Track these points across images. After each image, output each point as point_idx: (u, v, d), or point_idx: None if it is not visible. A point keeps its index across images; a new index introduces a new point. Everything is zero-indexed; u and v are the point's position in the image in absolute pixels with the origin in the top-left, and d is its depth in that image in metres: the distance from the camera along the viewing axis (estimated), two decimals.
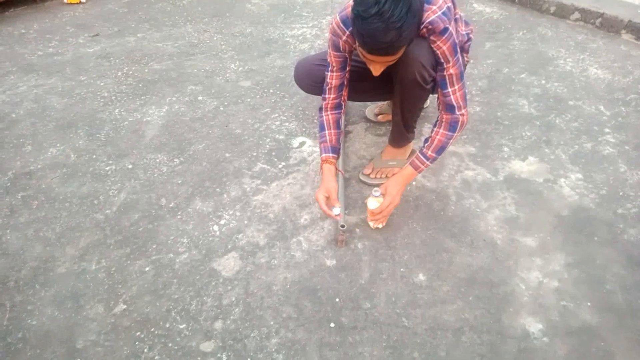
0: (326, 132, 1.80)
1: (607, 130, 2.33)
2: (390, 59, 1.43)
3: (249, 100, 2.61)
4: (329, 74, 1.77)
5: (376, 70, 1.50)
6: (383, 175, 2.01)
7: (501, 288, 1.58)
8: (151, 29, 3.47)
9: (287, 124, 2.40)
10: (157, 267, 1.66)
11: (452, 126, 1.65)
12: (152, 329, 1.46)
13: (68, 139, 2.28)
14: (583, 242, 1.75)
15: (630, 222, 1.82)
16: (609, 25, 3.29)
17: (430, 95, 1.92)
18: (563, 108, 2.50)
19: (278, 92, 2.68)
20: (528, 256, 1.69)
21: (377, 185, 1.85)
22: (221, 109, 2.53)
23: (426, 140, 1.70)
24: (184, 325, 1.47)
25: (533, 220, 1.83)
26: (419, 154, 1.69)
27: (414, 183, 2.00)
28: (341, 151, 2.09)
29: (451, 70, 1.56)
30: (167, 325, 1.47)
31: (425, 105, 2.44)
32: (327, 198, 1.67)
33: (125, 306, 1.52)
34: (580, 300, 1.54)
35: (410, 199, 1.93)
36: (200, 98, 2.62)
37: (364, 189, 1.99)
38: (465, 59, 1.99)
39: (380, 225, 1.78)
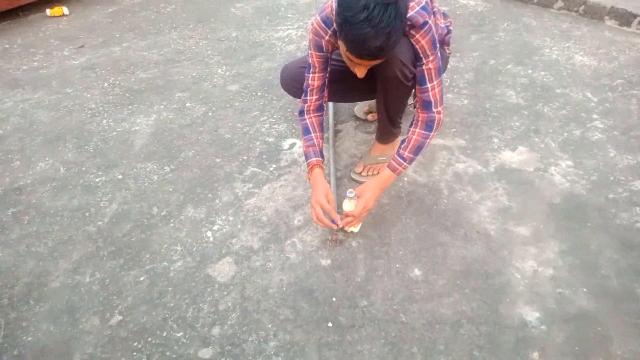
0: (312, 135, 1.77)
1: (595, 116, 2.34)
2: (377, 62, 1.43)
3: (237, 104, 2.60)
4: (311, 75, 1.75)
5: (361, 72, 1.49)
6: (374, 172, 2.00)
7: (497, 279, 1.58)
8: (136, 38, 3.45)
9: (276, 126, 2.40)
10: (152, 276, 1.65)
11: (429, 125, 1.64)
12: (149, 339, 1.45)
13: (57, 153, 2.26)
14: (576, 228, 1.75)
15: (621, 207, 1.83)
16: (593, 12, 3.31)
17: None
18: (550, 96, 2.51)
19: (266, 94, 2.68)
20: (522, 245, 1.70)
21: None
22: (210, 114, 2.52)
23: (403, 141, 1.67)
24: (181, 333, 1.46)
25: (525, 210, 1.84)
26: (396, 156, 1.67)
27: (405, 178, 2.00)
28: (332, 150, 2.09)
29: (430, 65, 1.56)
30: (164, 334, 1.46)
31: (409, 102, 2.44)
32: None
33: (121, 317, 1.51)
34: (575, 287, 1.54)
35: (402, 195, 1.93)
36: (188, 104, 2.61)
37: (355, 187, 1.98)
38: (447, 51, 1.99)
39: (354, 229, 1.75)
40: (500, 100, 2.50)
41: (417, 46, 1.52)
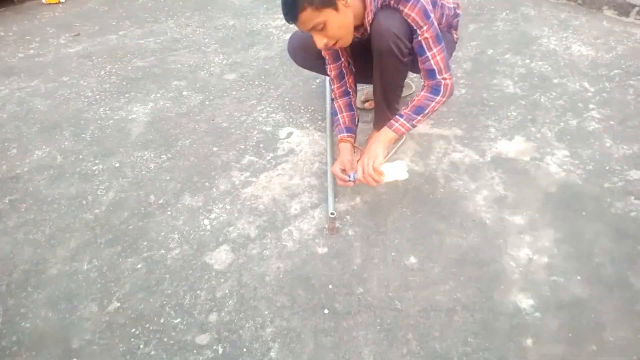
0: (339, 116, 1.93)
1: (591, 106, 2.35)
2: (315, 23, 1.48)
3: (234, 93, 2.61)
4: (327, 67, 1.89)
5: (317, 40, 1.55)
6: None
7: (492, 266, 1.60)
8: (133, 26, 3.44)
9: (273, 115, 2.41)
10: (149, 263, 1.66)
11: (434, 89, 1.65)
12: (147, 325, 1.46)
13: (53, 141, 2.27)
14: (571, 217, 1.77)
15: (616, 196, 1.84)
16: (591, 2, 3.31)
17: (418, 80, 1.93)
18: (548, 86, 2.52)
19: (263, 83, 2.68)
20: (517, 234, 1.71)
21: None
22: (207, 103, 2.53)
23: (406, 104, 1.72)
24: (178, 320, 1.48)
25: (521, 199, 1.85)
26: (397, 114, 1.72)
27: None
28: (328, 140, 2.10)
29: (426, 35, 1.57)
30: (162, 321, 1.48)
31: (410, 92, 2.44)
32: (343, 170, 1.76)
33: (119, 304, 1.53)
34: (570, 275, 1.56)
35: (399, 184, 1.93)
36: (185, 93, 2.62)
37: None
38: (455, 36, 1.99)
39: (402, 177, 1.67)
40: (497, 90, 2.51)
41: (409, 20, 1.55)
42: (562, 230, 1.72)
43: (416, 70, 1.75)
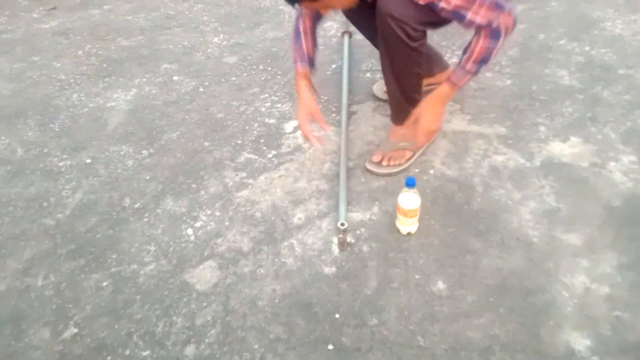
0: (302, 40, 1.90)
1: None
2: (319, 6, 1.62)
3: (233, 79, 2.61)
4: (301, 17, 1.90)
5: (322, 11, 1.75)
6: (395, 162, 1.95)
7: (539, 296, 1.52)
8: None
9: (278, 105, 2.39)
10: (117, 281, 1.63)
11: (494, 33, 1.61)
12: (109, 358, 1.41)
13: (15, 131, 2.29)
14: (639, 238, 1.68)
15: None
16: None
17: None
18: (612, 78, 2.45)
19: (269, 68, 2.68)
20: (572, 257, 1.64)
21: (388, 175, 1.92)
22: (200, 90, 2.53)
23: (464, 52, 1.69)
24: (147, 352, 1.42)
25: (577, 213, 1.78)
26: (457, 69, 1.71)
27: (431, 171, 1.96)
28: (344, 135, 2.05)
29: (454, 2, 1.54)
30: (127, 353, 1.43)
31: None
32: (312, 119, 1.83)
33: (76, 330, 1.49)
34: (637, 310, 1.48)
35: (427, 191, 1.88)
36: (175, 78, 2.63)
37: (370, 180, 1.95)
38: None
39: (411, 229, 1.71)
40: (550, 81, 2.46)
41: None
42: (628, 253, 1.64)
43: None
